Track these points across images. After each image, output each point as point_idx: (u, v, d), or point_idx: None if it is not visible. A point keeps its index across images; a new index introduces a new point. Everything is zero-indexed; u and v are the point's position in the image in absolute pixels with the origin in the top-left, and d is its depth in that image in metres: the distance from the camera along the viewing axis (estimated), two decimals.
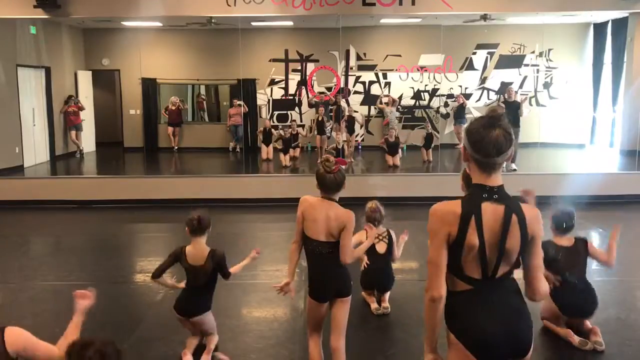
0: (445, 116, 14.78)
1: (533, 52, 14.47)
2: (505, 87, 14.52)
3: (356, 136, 13.93)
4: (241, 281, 4.45)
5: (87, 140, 14.44)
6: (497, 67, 14.71)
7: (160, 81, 15.04)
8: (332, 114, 13.68)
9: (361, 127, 14.52)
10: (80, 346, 2.15)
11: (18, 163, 11.70)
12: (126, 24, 12.98)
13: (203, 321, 4.24)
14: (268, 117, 14.73)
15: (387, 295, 5.26)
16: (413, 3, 9.63)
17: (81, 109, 13.92)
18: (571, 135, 14.12)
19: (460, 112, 14.06)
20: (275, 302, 5.28)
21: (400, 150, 12.41)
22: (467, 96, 14.52)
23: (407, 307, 5.23)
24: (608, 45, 13.46)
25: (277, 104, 15.02)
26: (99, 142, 15.03)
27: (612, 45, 13.24)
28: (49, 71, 13.13)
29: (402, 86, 14.77)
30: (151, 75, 14.63)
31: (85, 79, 14.76)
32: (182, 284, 4.31)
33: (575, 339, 4.38)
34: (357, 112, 14.36)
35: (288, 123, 14.38)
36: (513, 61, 14.65)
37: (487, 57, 14.73)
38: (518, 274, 2.38)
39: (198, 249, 4.15)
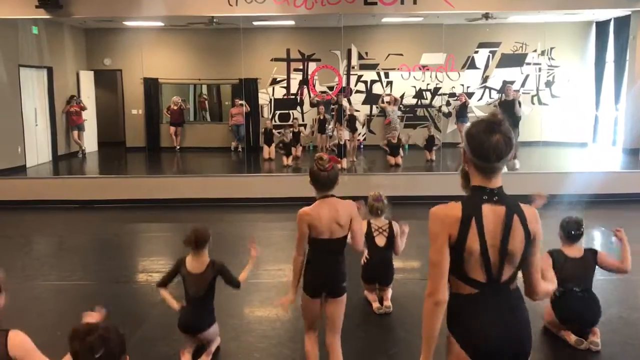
0: (447, 115, 14.76)
1: (535, 50, 14.44)
2: (507, 85, 14.54)
3: (358, 135, 13.92)
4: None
5: (89, 140, 14.46)
6: (499, 65, 14.70)
7: (162, 81, 15.05)
8: (333, 113, 13.68)
9: (363, 126, 14.52)
10: (83, 332, 2.14)
11: (20, 163, 11.72)
12: (128, 24, 12.99)
13: (210, 334, 4.23)
14: (269, 117, 14.72)
15: (389, 294, 5.25)
16: (415, 2, 9.62)
17: (83, 109, 13.93)
18: (573, 133, 14.09)
19: (462, 111, 14.04)
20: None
21: (401, 150, 12.40)
22: (469, 95, 14.51)
23: (409, 306, 5.22)
24: (610, 44, 13.42)
25: (279, 104, 15.02)
26: (101, 142, 15.05)
27: (615, 44, 13.21)
28: (51, 71, 13.14)
29: (404, 85, 14.76)
30: (153, 75, 14.64)
31: (87, 79, 14.78)
32: (181, 303, 4.24)
33: (572, 338, 4.37)
34: (358, 111, 14.36)
35: (290, 122, 14.39)
36: (515, 60, 14.63)
37: (489, 56, 14.71)
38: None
39: (199, 260, 4.17)
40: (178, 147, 14.87)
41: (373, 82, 14.87)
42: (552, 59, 14.50)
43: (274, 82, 14.94)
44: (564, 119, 14.06)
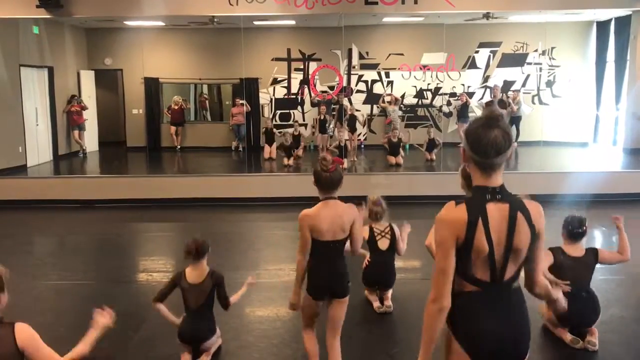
0: (448, 115, 14.76)
1: (536, 50, 14.43)
2: (508, 85, 14.55)
3: (358, 135, 13.92)
4: (244, 280, 4.44)
5: (90, 140, 14.46)
6: (499, 65, 14.69)
7: (162, 80, 15.05)
8: (334, 112, 13.68)
9: (363, 125, 14.52)
10: None
11: (21, 163, 11.73)
12: (129, 23, 12.99)
13: (211, 343, 4.21)
14: (270, 116, 14.71)
15: (390, 293, 5.25)
16: (415, 2, 9.62)
17: (84, 108, 13.94)
18: (574, 133, 14.09)
19: (463, 111, 14.03)
20: (278, 301, 5.28)
21: (402, 150, 12.39)
22: (470, 95, 14.50)
23: (410, 305, 5.22)
24: (611, 43, 13.42)
25: (279, 103, 15.02)
26: (101, 141, 15.06)
27: (615, 43, 13.20)
28: (51, 71, 13.15)
29: (404, 85, 14.75)
30: (154, 75, 14.64)
31: (88, 79, 14.78)
32: (180, 319, 4.21)
33: (568, 337, 4.36)
34: (359, 110, 14.36)
35: (290, 122, 14.39)
36: (516, 59, 14.62)
37: (489, 56, 14.70)
38: None
39: (198, 270, 4.15)
40: (179, 146, 14.87)
41: (374, 81, 14.87)
42: (553, 58, 14.49)
43: (275, 81, 14.94)
44: (564, 118, 14.05)
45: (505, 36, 14.41)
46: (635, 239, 7.57)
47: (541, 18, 12.44)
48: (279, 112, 15.02)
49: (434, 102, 14.76)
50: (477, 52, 14.66)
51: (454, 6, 9.62)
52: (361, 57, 14.79)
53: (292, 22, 13.42)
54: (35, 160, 12.31)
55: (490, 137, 2.18)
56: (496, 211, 2.21)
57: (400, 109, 14.29)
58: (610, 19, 13.21)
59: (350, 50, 14.61)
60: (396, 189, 9.61)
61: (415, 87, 14.76)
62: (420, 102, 14.84)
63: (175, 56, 15.00)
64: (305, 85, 14.92)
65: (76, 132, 13.81)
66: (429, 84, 14.69)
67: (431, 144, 12.55)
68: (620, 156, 12.52)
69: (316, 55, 14.76)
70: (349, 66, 14.77)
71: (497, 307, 2.25)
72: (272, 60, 14.80)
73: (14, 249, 7.41)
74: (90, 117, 14.47)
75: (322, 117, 13.21)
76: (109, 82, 15.60)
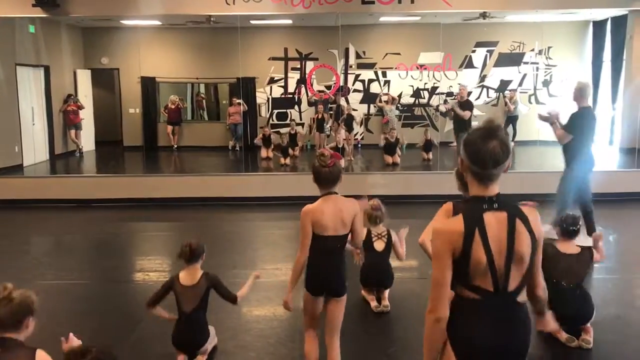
0: (445, 114, 14.75)
1: (532, 50, 14.46)
2: (505, 85, 14.57)
3: (355, 134, 13.92)
4: (241, 279, 4.44)
5: (87, 139, 14.43)
6: (496, 65, 14.72)
7: (159, 80, 15.02)
8: (331, 112, 13.68)
9: (360, 125, 14.52)
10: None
11: (17, 162, 11.70)
12: (125, 22, 12.96)
13: (206, 346, 4.19)
14: (266, 122, 14.51)
15: (387, 293, 5.26)
16: (412, 1, 9.62)
17: (80, 107, 13.91)
18: None
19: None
20: (276, 300, 5.28)
21: (398, 149, 12.40)
22: (467, 94, 14.48)
23: (407, 304, 5.23)
24: (607, 43, 13.45)
25: (276, 103, 15.01)
26: (98, 141, 15.02)
27: (612, 43, 13.23)
28: (48, 70, 13.11)
29: (401, 84, 14.77)
30: (150, 74, 14.61)
31: (84, 78, 14.74)
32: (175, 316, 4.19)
33: (563, 335, 4.36)
34: (355, 110, 14.36)
35: (287, 121, 14.38)
36: (512, 59, 14.65)
37: (486, 55, 14.72)
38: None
39: (192, 273, 4.12)
40: (175, 146, 14.86)
41: (371, 81, 14.88)
42: (550, 58, 14.53)
43: (272, 81, 14.94)
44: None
45: (502, 36, 14.44)
46: (633, 239, 7.60)
47: (538, 18, 12.45)
48: (276, 111, 15.01)
49: (430, 102, 14.77)
50: (473, 51, 14.68)
51: (451, 6, 9.62)
52: (358, 56, 14.79)
53: (289, 22, 13.41)
54: (32, 159, 12.28)
55: (488, 148, 2.17)
56: (494, 220, 2.20)
57: (397, 108, 14.30)
58: (607, 19, 13.24)
59: (347, 50, 14.61)
60: (393, 189, 9.61)
61: (412, 86, 14.78)
62: (417, 101, 14.85)
63: (172, 55, 14.98)
64: (302, 85, 14.92)
65: (72, 132, 13.79)
66: (425, 84, 14.70)
67: (428, 145, 12.56)
68: (617, 156, 12.54)
69: (313, 55, 14.75)
70: (346, 66, 14.77)
71: (496, 319, 2.23)
72: (269, 59, 14.80)
73: (10, 249, 7.39)
74: (87, 117, 14.44)
75: (319, 117, 13.20)
76: (105, 81, 15.57)
